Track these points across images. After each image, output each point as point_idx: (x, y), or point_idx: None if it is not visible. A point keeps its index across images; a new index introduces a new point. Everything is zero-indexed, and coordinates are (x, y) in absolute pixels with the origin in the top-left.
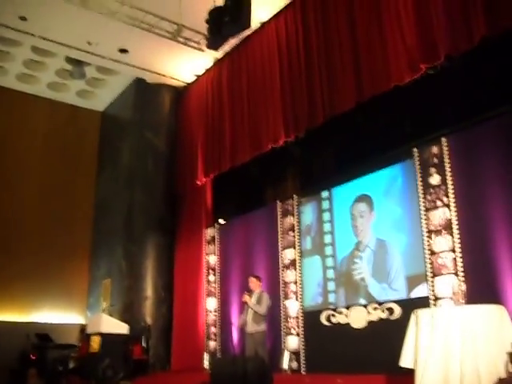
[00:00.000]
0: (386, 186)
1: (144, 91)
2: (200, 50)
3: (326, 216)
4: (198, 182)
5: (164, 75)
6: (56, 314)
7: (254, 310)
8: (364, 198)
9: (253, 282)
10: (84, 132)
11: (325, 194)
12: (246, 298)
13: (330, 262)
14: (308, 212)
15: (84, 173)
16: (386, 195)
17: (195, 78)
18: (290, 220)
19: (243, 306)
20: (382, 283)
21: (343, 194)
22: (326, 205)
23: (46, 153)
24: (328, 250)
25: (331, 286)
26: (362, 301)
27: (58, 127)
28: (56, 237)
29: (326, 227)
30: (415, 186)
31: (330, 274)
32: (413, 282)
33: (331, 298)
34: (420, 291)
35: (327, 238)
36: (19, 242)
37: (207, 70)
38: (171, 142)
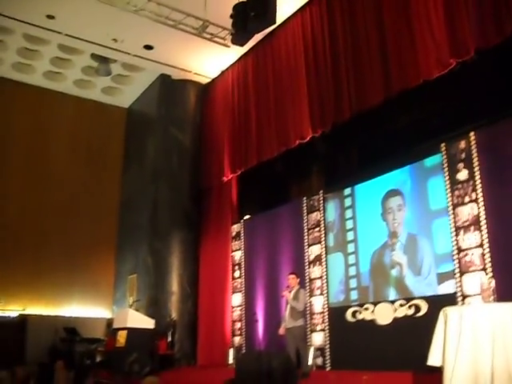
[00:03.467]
0: (412, 182)
1: (169, 87)
2: (225, 45)
3: (349, 213)
4: (225, 178)
5: (189, 71)
6: (83, 309)
7: (292, 306)
8: (397, 193)
9: (291, 279)
10: (110, 128)
11: (347, 191)
12: (286, 294)
13: (352, 259)
14: (330, 209)
15: (110, 169)
16: (413, 191)
17: (220, 73)
18: (315, 216)
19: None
20: (417, 276)
21: (368, 190)
22: (348, 202)
23: (72, 149)
24: (350, 248)
25: (353, 283)
26: (393, 293)
27: (84, 124)
28: (83, 232)
29: (349, 224)
30: (443, 182)
31: (352, 271)
32: (441, 278)
33: (353, 295)
34: (447, 288)
35: (350, 236)
36: (47, 237)
37: (232, 66)
38: (196, 138)
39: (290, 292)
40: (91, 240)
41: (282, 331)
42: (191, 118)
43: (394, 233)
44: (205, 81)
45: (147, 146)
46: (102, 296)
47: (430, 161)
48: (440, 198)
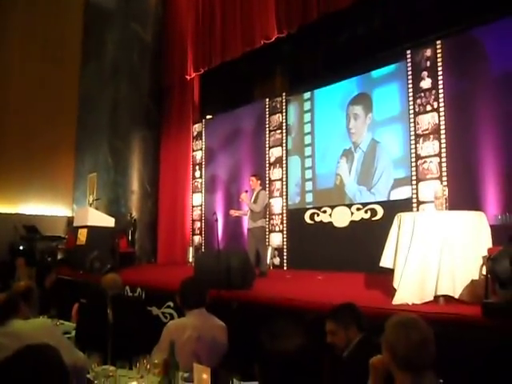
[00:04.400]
0: (377, 88)
1: None
2: None
3: (307, 117)
4: (188, 77)
5: None
6: (43, 207)
7: (250, 208)
8: (361, 100)
9: (252, 182)
10: (67, 21)
11: (307, 94)
12: (243, 196)
13: (308, 162)
14: (290, 112)
15: (68, 65)
16: (379, 97)
17: None
18: (277, 118)
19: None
20: (362, 185)
21: (329, 95)
22: (307, 106)
23: (27, 44)
24: (307, 151)
25: (309, 186)
26: (344, 201)
27: (38, 15)
28: (40, 131)
29: (307, 128)
30: (406, 89)
31: (308, 174)
32: (397, 184)
33: (308, 198)
34: (403, 194)
35: (307, 139)
36: (3, 135)
37: None
38: (158, 35)
39: (251, 193)
40: (49, 138)
41: None
42: (153, 13)
43: (353, 143)
44: None
45: (106, 42)
46: (62, 195)
47: (391, 68)
48: (400, 104)
